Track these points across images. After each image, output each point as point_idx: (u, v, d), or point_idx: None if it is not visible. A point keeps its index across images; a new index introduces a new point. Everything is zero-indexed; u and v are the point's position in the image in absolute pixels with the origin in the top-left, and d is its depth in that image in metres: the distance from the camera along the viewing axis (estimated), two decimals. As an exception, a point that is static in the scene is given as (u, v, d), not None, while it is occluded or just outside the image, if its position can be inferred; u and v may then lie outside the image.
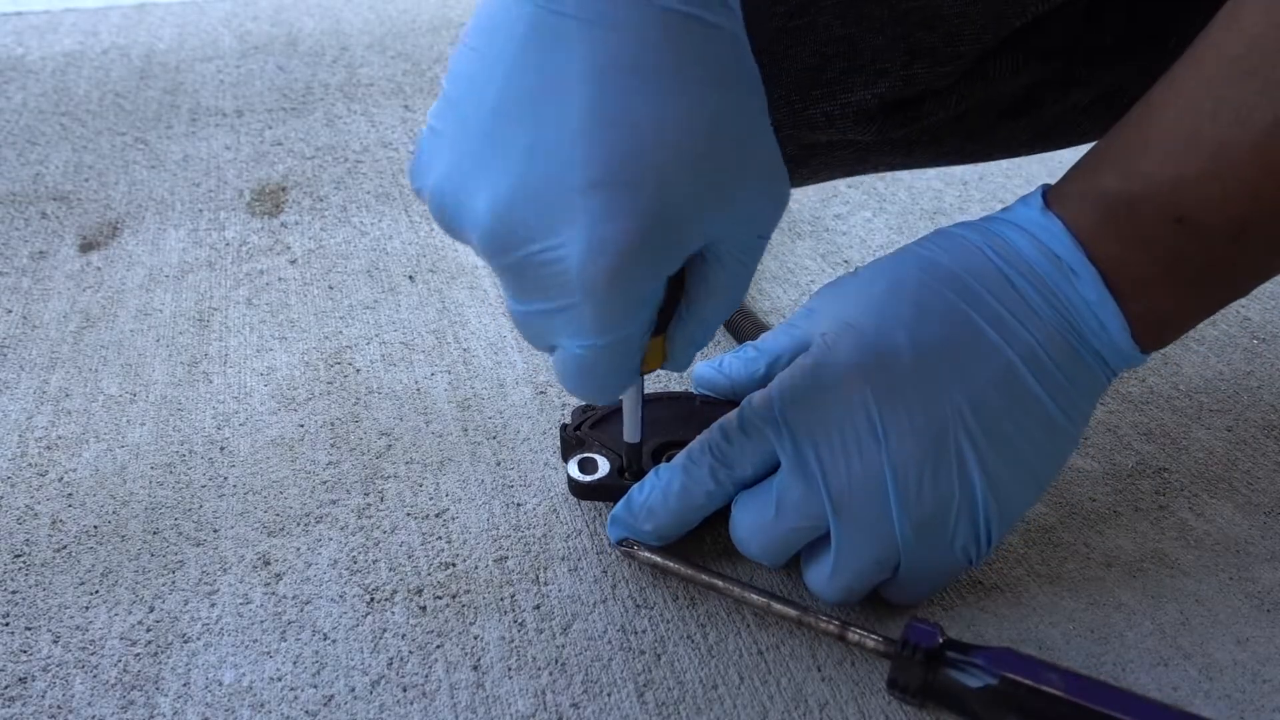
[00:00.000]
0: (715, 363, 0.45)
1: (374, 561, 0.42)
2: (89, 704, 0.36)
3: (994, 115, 0.48)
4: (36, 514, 0.44)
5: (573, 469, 0.42)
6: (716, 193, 0.30)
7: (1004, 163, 0.79)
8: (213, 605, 0.40)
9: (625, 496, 0.40)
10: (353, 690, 0.37)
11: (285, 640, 0.38)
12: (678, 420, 0.45)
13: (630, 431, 0.40)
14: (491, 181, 0.30)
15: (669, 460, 0.41)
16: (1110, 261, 0.35)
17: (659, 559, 0.39)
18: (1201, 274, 0.35)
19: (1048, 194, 0.38)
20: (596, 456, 0.42)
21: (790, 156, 0.42)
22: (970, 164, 0.57)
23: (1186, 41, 0.35)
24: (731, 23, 0.30)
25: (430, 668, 0.37)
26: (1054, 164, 0.79)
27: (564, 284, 0.30)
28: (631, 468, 0.41)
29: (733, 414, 0.38)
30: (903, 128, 0.47)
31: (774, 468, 0.37)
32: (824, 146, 0.48)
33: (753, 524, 0.37)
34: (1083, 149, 0.38)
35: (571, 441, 0.44)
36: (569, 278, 0.30)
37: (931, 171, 0.78)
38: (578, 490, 0.42)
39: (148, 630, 0.39)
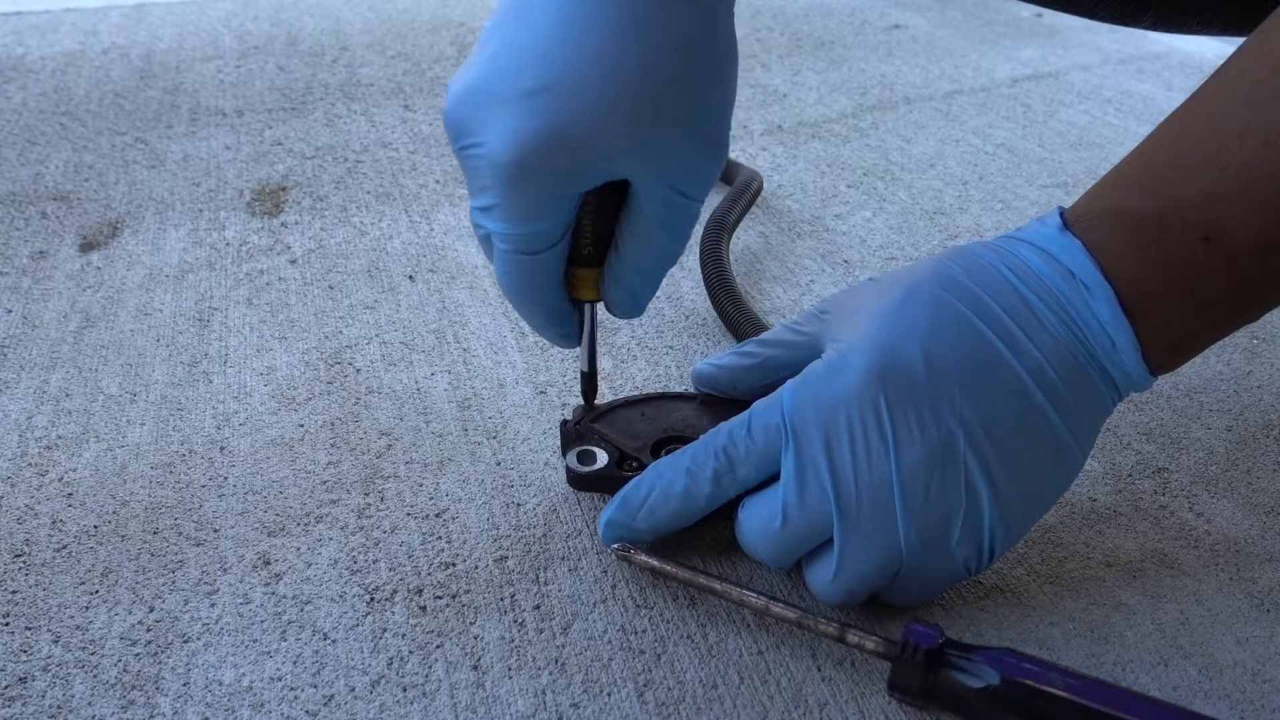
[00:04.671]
0: (715, 360, 0.45)
1: (374, 561, 0.42)
2: (89, 704, 0.36)
3: None
4: (36, 514, 0.44)
5: (571, 460, 0.42)
6: (638, 132, 0.35)
7: (1004, 162, 0.79)
8: (213, 605, 0.40)
9: (620, 496, 0.40)
10: (353, 690, 0.37)
11: (285, 640, 0.39)
12: (679, 418, 0.45)
13: (582, 361, 0.44)
14: (461, 79, 0.36)
15: (668, 455, 0.41)
16: (1129, 281, 0.36)
17: (656, 563, 0.39)
18: (1223, 295, 0.36)
19: (1065, 214, 0.38)
20: (595, 449, 0.43)
21: None
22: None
23: None
24: (707, 3, 0.35)
25: (430, 668, 0.37)
26: (1054, 166, 0.79)
27: (486, 174, 0.36)
28: (587, 400, 0.45)
29: (739, 418, 0.38)
30: None
31: (777, 471, 0.37)
32: None
33: (760, 531, 0.37)
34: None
35: (571, 436, 0.44)
36: (488, 167, 0.35)
37: (931, 171, 0.78)
38: (575, 481, 0.42)
39: (148, 630, 0.39)
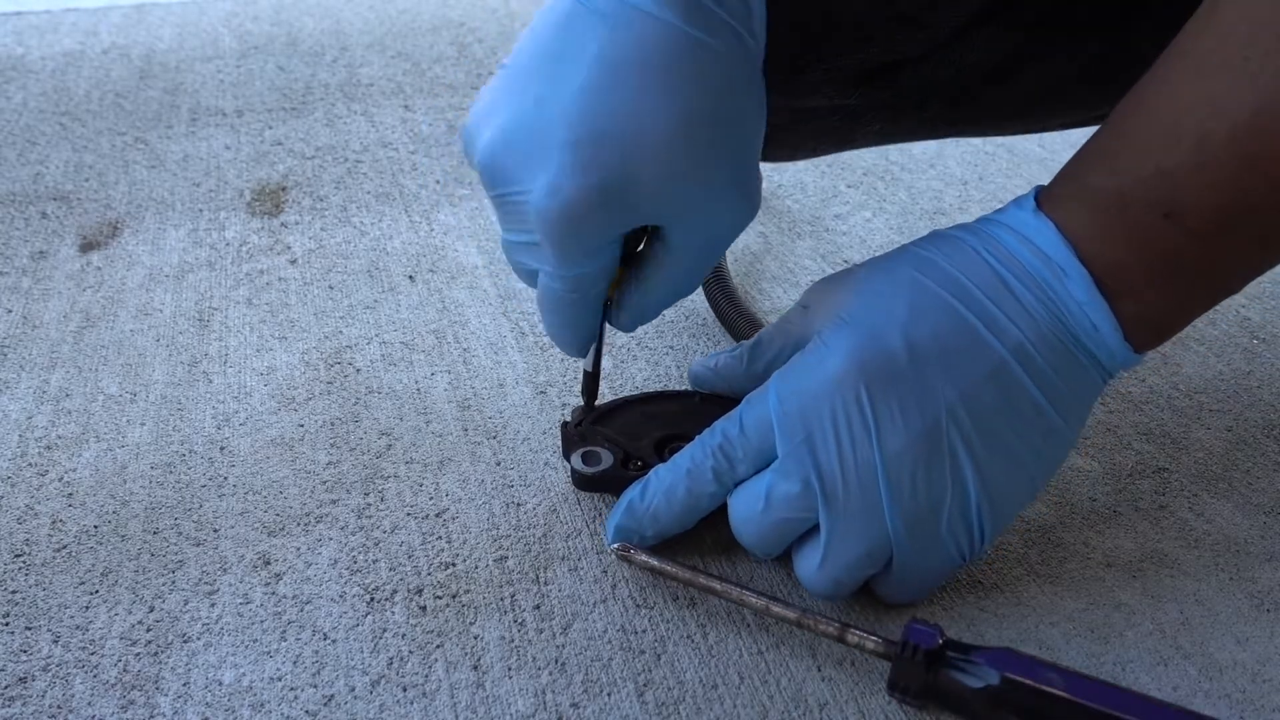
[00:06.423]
0: (710, 361, 0.45)
1: (374, 561, 0.42)
2: (89, 704, 0.36)
3: (977, 81, 0.49)
4: (36, 514, 0.44)
5: (576, 461, 0.42)
6: (673, 184, 0.36)
7: (1004, 162, 0.79)
8: (213, 605, 0.40)
9: (626, 503, 0.40)
10: (353, 690, 0.37)
11: (285, 640, 0.39)
12: (680, 416, 0.45)
13: (587, 360, 0.44)
14: (498, 122, 0.36)
15: (671, 453, 0.42)
16: (1101, 261, 0.36)
17: (656, 563, 0.39)
18: (1192, 270, 0.35)
19: (1040, 195, 0.38)
20: (599, 450, 0.43)
21: (782, 124, 0.48)
22: (961, 136, 0.58)
23: (1170, 13, 0.35)
24: (733, 50, 0.35)
25: (430, 668, 0.37)
26: (1053, 165, 0.79)
27: (532, 222, 0.37)
28: (588, 400, 0.45)
29: (732, 414, 0.38)
30: (886, 90, 0.48)
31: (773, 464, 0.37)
32: (813, 112, 0.50)
33: (745, 515, 0.38)
34: (1071, 135, 0.38)
35: (573, 438, 0.44)
36: (534, 217, 0.36)
37: (931, 171, 0.78)
38: (581, 482, 0.42)
39: (148, 630, 0.39)
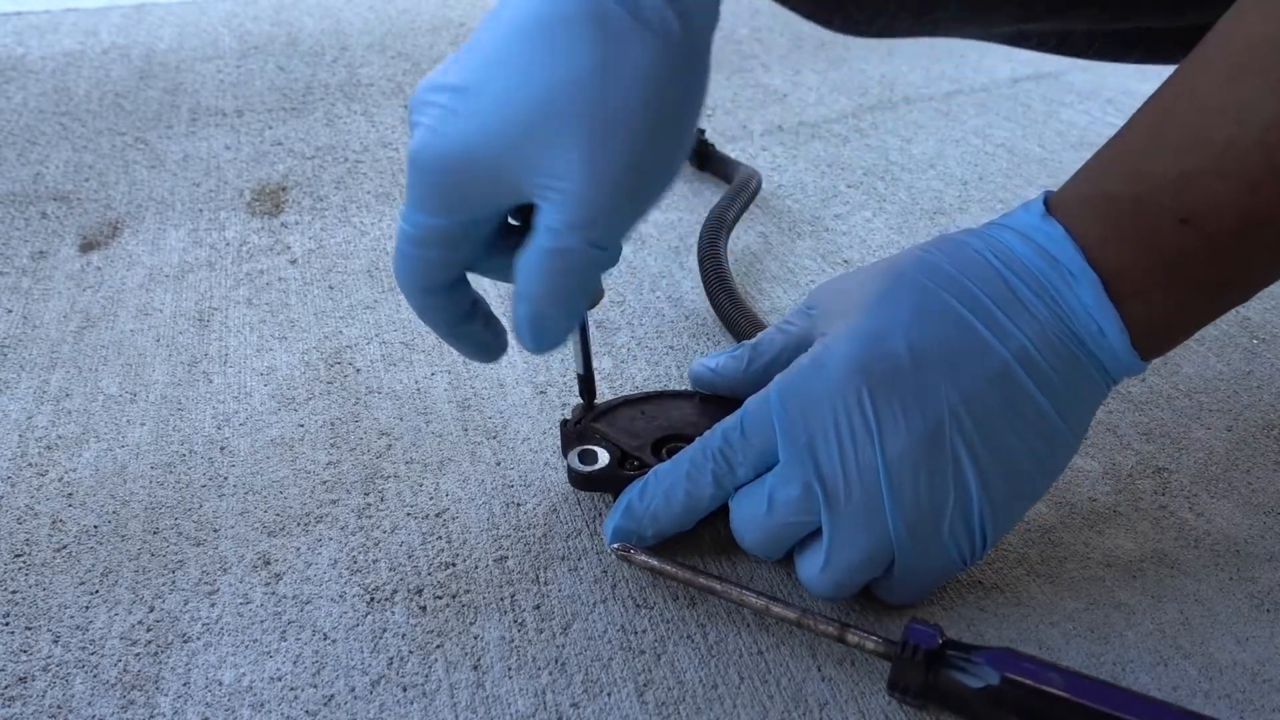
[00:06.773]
0: (710, 361, 0.45)
1: (374, 561, 0.42)
2: (89, 704, 0.36)
3: None
4: (36, 514, 0.44)
5: (573, 460, 0.42)
6: (531, 150, 0.33)
7: (1004, 162, 0.79)
8: (213, 605, 0.40)
9: (624, 505, 0.40)
10: (353, 690, 0.37)
11: (285, 640, 0.39)
12: (680, 416, 0.45)
13: (576, 363, 0.44)
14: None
15: (669, 453, 0.42)
16: (1112, 266, 0.36)
17: (656, 563, 0.39)
18: (1206, 277, 0.35)
19: (1049, 200, 0.38)
20: (596, 449, 0.43)
21: None
22: (1021, 37, 0.54)
23: None
24: (670, 28, 0.32)
25: (430, 668, 0.37)
26: (1054, 166, 0.79)
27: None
28: (587, 400, 0.45)
29: (732, 417, 0.38)
30: None
31: (774, 467, 0.37)
32: None
33: (748, 518, 0.38)
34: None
35: (571, 436, 0.44)
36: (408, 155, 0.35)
37: (931, 172, 0.78)
38: (577, 481, 0.42)
39: (148, 630, 0.39)
